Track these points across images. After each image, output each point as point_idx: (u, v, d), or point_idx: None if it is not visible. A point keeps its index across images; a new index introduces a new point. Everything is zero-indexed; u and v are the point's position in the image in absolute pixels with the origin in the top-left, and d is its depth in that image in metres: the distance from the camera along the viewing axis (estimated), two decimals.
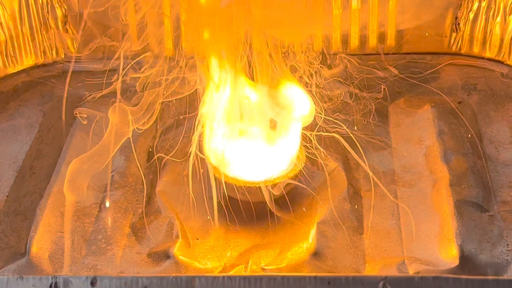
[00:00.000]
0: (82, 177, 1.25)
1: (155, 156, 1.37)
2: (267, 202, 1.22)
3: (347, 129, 1.32)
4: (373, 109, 1.46)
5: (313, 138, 1.30)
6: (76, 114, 1.42)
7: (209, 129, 1.26)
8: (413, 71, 1.57)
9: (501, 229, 1.23)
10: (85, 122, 1.44)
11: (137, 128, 1.28)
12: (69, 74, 1.42)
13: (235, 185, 1.24)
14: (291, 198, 1.26)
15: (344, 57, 1.52)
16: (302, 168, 1.27)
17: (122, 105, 1.25)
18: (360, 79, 1.51)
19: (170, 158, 1.34)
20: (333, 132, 1.31)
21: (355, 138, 1.31)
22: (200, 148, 1.25)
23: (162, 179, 1.35)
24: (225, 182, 1.24)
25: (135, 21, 1.50)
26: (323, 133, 1.31)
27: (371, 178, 1.26)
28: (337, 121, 1.33)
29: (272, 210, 1.22)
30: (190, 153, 1.24)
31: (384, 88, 1.49)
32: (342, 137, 1.31)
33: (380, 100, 1.48)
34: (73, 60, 1.52)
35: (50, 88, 1.58)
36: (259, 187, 1.22)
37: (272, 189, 1.23)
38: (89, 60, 1.55)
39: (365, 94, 1.48)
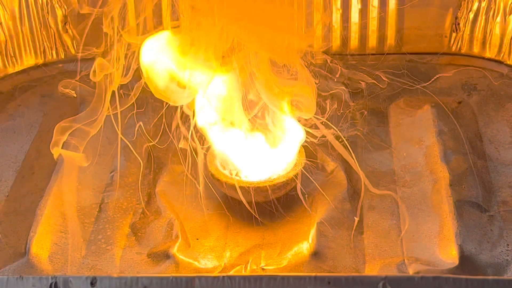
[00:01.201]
0: (77, 139, 1.24)
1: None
2: (245, 204, 1.22)
3: (336, 130, 1.32)
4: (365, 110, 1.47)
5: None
6: (61, 89, 1.42)
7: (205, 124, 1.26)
8: (413, 72, 1.57)
9: (501, 229, 1.23)
10: (75, 95, 1.44)
11: (120, 85, 1.26)
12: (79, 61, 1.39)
13: (235, 185, 1.24)
14: (291, 198, 1.27)
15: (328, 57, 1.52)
16: (302, 168, 1.27)
17: (101, 61, 1.24)
18: (358, 80, 1.52)
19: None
20: (332, 132, 1.31)
21: (345, 139, 1.31)
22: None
23: (162, 179, 1.35)
24: (225, 182, 1.24)
25: None
26: (320, 134, 1.31)
27: (363, 179, 1.26)
28: (328, 122, 1.33)
29: (254, 214, 1.23)
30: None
31: (364, 86, 1.49)
32: (342, 137, 1.31)
33: (356, 104, 1.48)
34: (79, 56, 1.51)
35: (50, 88, 1.58)
36: (257, 187, 1.23)
37: (272, 189, 1.23)
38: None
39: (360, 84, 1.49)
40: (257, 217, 1.23)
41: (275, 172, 1.26)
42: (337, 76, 1.49)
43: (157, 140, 1.38)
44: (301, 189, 1.25)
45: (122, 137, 1.31)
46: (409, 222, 1.23)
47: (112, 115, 1.30)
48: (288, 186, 1.25)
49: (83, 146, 1.25)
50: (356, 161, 1.27)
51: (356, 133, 1.40)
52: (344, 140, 1.30)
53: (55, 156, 1.25)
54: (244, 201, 1.22)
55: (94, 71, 1.23)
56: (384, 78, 1.50)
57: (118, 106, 1.26)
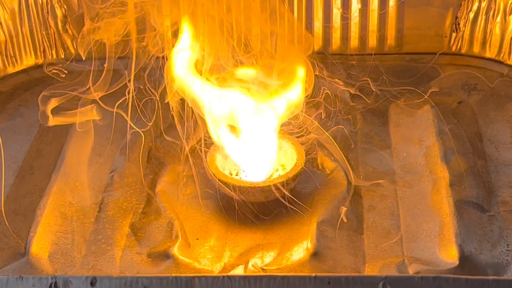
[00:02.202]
0: (85, 108, 1.24)
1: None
2: (250, 204, 1.23)
3: (323, 130, 1.32)
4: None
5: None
6: (46, 70, 1.41)
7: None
8: (413, 72, 1.57)
9: (501, 229, 1.23)
10: (64, 75, 1.43)
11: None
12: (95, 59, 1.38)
13: (235, 185, 1.24)
14: (290, 198, 1.26)
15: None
16: (302, 168, 1.27)
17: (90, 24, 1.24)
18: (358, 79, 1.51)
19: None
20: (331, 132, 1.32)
21: (344, 136, 1.31)
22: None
23: (162, 179, 1.35)
24: (225, 182, 1.24)
25: None
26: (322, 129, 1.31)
27: (352, 176, 1.26)
28: (316, 123, 1.33)
29: (248, 215, 1.23)
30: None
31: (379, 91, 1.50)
32: (342, 137, 1.31)
33: (356, 104, 1.48)
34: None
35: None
36: (255, 188, 1.23)
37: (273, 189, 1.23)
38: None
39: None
40: (252, 217, 1.23)
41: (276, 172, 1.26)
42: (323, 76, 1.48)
43: (148, 126, 1.37)
44: (285, 194, 1.24)
45: (132, 124, 1.30)
46: (407, 221, 1.23)
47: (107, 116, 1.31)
48: (288, 186, 1.25)
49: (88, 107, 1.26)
50: (341, 152, 1.26)
51: (344, 129, 1.40)
52: (327, 133, 1.30)
53: (49, 123, 1.25)
54: (231, 198, 1.22)
55: (83, 35, 1.23)
56: (373, 88, 1.49)
57: (129, 103, 1.26)
